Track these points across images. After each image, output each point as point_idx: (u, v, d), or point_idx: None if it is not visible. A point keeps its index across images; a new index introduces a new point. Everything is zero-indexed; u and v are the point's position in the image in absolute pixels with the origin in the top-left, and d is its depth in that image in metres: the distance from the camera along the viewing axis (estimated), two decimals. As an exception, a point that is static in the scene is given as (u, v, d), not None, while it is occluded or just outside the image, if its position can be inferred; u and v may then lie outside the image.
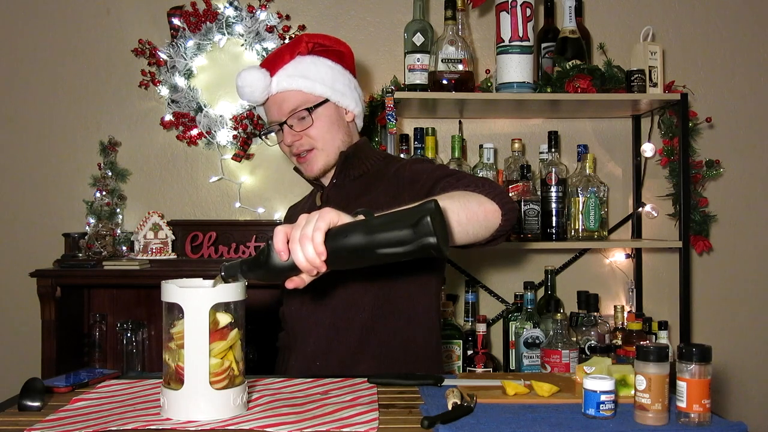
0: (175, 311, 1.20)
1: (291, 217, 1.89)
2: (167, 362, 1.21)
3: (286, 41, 2.70)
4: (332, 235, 1.09)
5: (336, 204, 1.55)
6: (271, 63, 1.67)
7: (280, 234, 1.12)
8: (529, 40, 2.44)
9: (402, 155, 2.55)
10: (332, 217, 1.10)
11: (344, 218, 1.12)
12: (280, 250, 1.11)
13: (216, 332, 1.19)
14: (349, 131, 1.75)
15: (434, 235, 1.03)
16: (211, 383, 1.17)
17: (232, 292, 1.20)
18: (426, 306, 1.67)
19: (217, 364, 1.19)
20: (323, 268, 1.10)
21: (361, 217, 1.14)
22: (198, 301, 1.17)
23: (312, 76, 1.65)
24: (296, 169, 1.78)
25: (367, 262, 1.11)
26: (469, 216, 1.34)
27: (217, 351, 1.19)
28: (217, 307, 1.19)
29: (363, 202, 1.60)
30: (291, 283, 1.16)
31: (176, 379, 1.19)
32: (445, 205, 1.20)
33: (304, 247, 1.08)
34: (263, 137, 1.79)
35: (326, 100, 1.67)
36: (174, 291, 1.19)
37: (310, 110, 1.65)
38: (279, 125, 1.68)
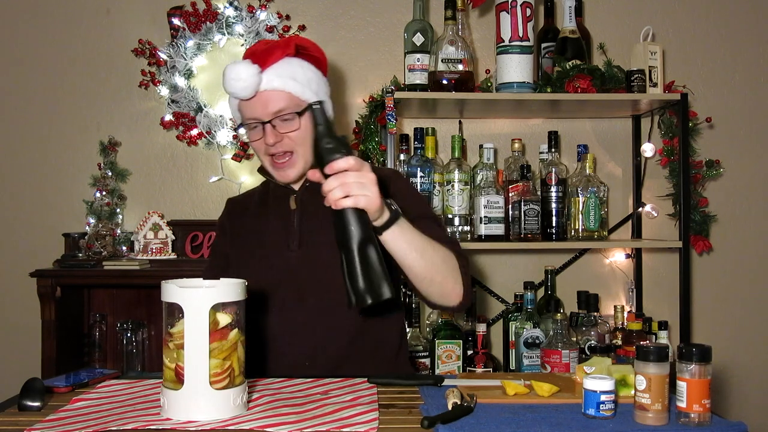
0: (175, 311, 1.20)
1: (230, 213, 1.82)
2: (167, 362, 1.21)
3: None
4: (350, 211, 1.27)
5: (312, 207, 1.57)
6: (261, 59, 1.62)
7: (343, 163, 1.27)
8: (529, 40, 2.44)
9: (402, 155, 2.55)
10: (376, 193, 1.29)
11: (379, 202, 1.30)
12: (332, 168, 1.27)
13: (216, 332, 1.19)
14: None
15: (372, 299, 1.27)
16: (211, 383, 1.17)
17: (231, 292, 1.20)
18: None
19: (217, 364, 1.19)
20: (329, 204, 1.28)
21: (393, 205, 1.38)
22: (198, 301, 1.17)
23: (300, 80, 1.63)
24: (261, 171, 1.74)
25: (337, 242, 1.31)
26: (441, 277, 1.48)
27: (218, 351, 1.19)
28: (216, 308, 1.19)
29: None
30: (312, 173, 1.33)
31: (176, 379, 1.19)
32: (436, 255, 1.45)
33: (335, 187, 1.26)
34: (236, 130, 1.75)
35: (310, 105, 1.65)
36: (174, 291, 1.19)
37: (299, 114, 1.62)
38: (261, 123, 1.63)
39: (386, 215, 1.36)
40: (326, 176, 1.29)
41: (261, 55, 1.63)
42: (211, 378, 1.18)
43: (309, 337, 1.62)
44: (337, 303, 1.57)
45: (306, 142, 1.63)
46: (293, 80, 1.61)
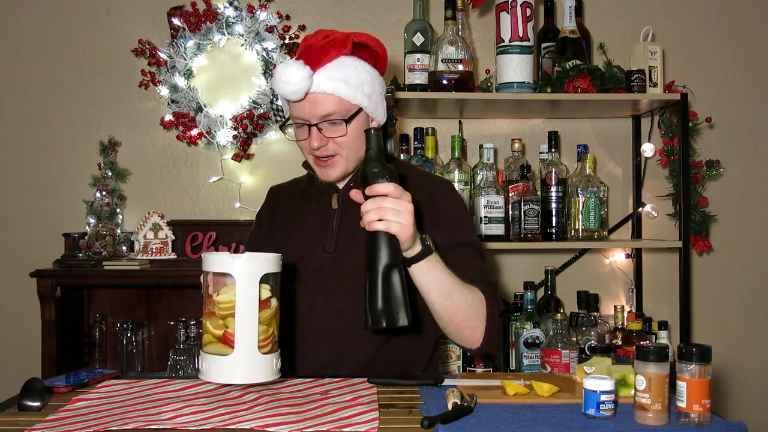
0: (221, 281, 1.29)
1: (270, 205, 1.81)
2: (212, 330, 1.29)
3: (286, 41, 2.70)
4: (382, 235, 1.31)
5: (354, 208, 1.55)
6: (315, 59, 1.54)
7: (383, 187, 1.32)
8: (529, 40, 2.44)
9: (402, 155, 2.55)
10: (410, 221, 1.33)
11: (411, 232, 1.34)
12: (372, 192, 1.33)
13: (262, 301, 1.29)
14: None
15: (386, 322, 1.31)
16: (258, 348, 1.27)
17: (276, 264, 1.32)
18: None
19: (263, 330, 1.29)
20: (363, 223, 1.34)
21: (428, 240, 1.40)
22: (251, 271, 1.27)
23: (353, 83, 1.56)
24: (306, 165, 1.71)
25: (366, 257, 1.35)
26: (460, 320, 1.49)
27: (264, 318, 1.29)
28: (261, 279, 1.28)
29: None
30: (355, 194, 1.37)
31: (225, 345, 1.27)
32: (462, 298, 1.47)
33: (371, 210, 1.31)
34: (282, 129, 1.69)
35: (360, 109, 1.59)
36: (226, 261, 1.27)
37: (347, 121, 1.57)
38: (307, 125, 1.58)
39: (417, 248, 1.39)
40: (367, 198, 1.33)
41: (315, 53, 1.56)
42: (258, 343, 1.27)
43: (333, 343, 1.60)
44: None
45: (351, 146, 1.60)
46: (344, 84, 1.55)
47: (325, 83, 1.54)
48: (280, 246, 1.66)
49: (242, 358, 1.26)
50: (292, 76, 1.51)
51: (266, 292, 1.30)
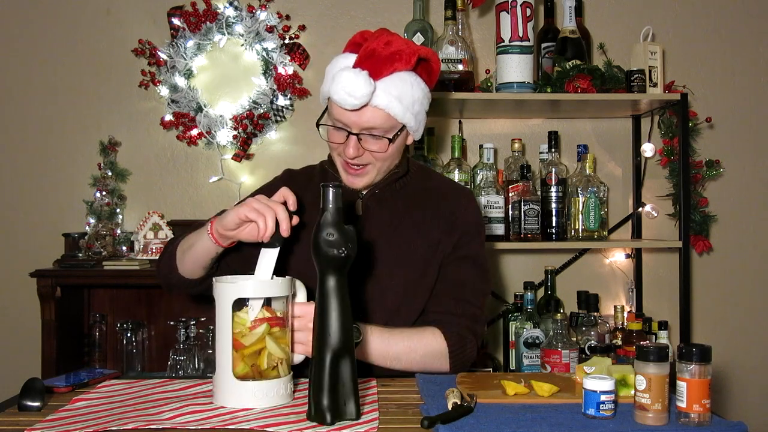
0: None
1: (286, 181, 1.66)
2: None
3: (286, 41, 2.70)
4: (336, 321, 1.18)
5: (377, 217, 1.55)
6: (377, 69, 1.46)
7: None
8: (529, 40, 2.45)
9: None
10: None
11: None
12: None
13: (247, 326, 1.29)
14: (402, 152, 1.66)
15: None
16: (236, 373, 1.27)
17: (256, 289, 1.30)
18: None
19: (248, 355, 1.29)
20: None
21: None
22: (223, 295, 1.27)
23: (406, 101, 1.49)
24: (329, 165, 1.66)
25: None
26: (418, 369, 1.50)
27: (250, 342, 1.28)
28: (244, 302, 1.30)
29: (407, 224, 1.61)
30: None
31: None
32: (414, 355, 1.49)
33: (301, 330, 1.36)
34: (318, 127, 1.58)
35: (404, 127, 1.54)
36: (215, 284, 1.28)
37: (390, 139, 1.52)
38: (347, 131, 1.52)
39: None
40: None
41: (379, 64, 1.46)
42: (240, 368, 1.26)
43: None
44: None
45: (387, 160, 1.56)
46: (398, 101, 1.48)
47: (380, 97, 1.46)
48: (298, 243, 1.59)
49: (220, 382, 1.26)
50: (358, 89, 1.42)
51: (252, 314, 1.27)
